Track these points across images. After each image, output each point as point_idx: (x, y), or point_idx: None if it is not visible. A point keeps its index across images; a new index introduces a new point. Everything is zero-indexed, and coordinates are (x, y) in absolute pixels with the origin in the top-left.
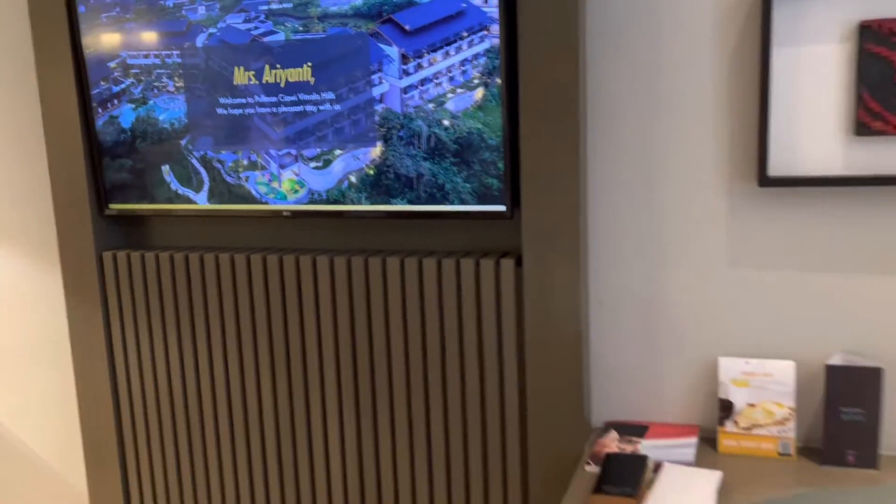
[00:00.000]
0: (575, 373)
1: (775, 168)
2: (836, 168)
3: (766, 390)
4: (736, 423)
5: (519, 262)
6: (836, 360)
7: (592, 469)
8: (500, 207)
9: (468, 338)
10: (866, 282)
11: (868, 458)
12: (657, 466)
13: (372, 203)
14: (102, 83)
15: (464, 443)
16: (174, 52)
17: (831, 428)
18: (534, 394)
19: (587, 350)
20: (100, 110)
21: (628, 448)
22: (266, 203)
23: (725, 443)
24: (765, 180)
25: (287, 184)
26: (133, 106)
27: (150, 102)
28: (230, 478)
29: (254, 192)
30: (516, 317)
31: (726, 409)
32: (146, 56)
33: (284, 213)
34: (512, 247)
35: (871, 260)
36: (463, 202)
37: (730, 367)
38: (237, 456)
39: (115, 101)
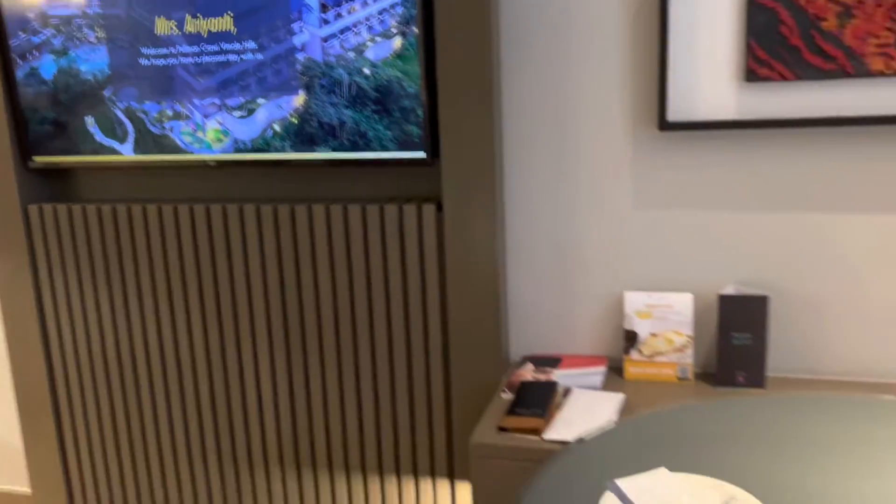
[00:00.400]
0: (493, 311)
1: (674, 113)
2: (728, 113)
3: (667, 321)
4: (640, 351)
5: (440, 208)
6: (728, 290)
7: (508, 396)
8: (419, 154)
9: (393, 279)
10: (756, 219)
11: (756, 378)
12: (567, 392)
13: (296, 151)
14: (21, 34)
15: (391, 377)
16: (94, 2)
17: (723, 352)
18: (455, 330)
19: (504, 289)
20: (20, 62)
21: (542, 377)
22: (191, 153)
23: (630, 370)
24: (664, 125)
25: (212, 133)
26: (54, 57)
27: (72, 53)
28: (165, 424)
29: (179, 143)
30: (438, 259)
31: (631, 339)
32: (65, 6)
33: (210, 163)
34: (433, 193)
35: (760, 199)
36: (385, 149)
37: (634, 301)
38: (171, 402)
39: (36, 53)
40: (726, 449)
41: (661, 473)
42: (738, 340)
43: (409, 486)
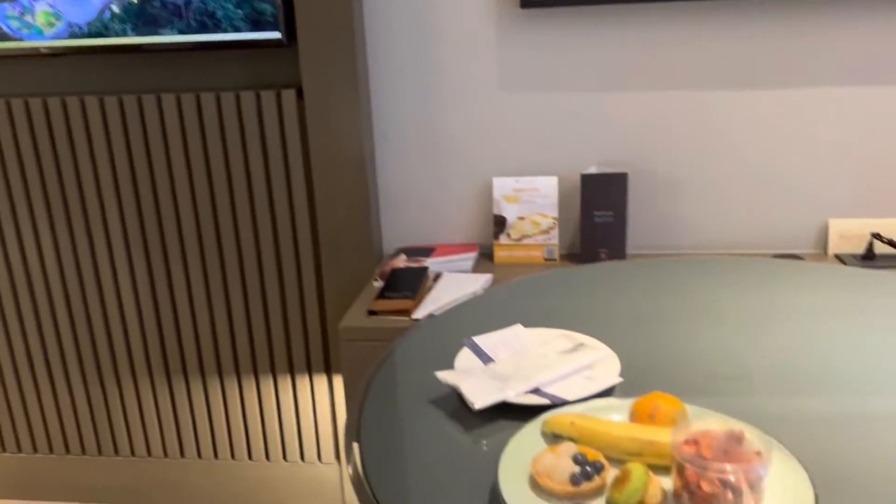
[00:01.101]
0: (363, 201)
1: None
2: None
3: (534, 204)
4: (508, 235)
5: (300, 94)
6: (590, 170)
7: (379, 284)
8: (274, 35)
9: (255, 173)
10: (618, 98)
11: (617, 255)
12: (437, 276)
13: (138, 35)
14: None
15: (259, 274)
16: None
17: (586, 231)
18: (325, 223)
19: (374, 178)
20: None
21: (414, 266)
22: (20, 40)
23: (500, 254)
24: (526, 1)
25: (42, 17)
26: None
27: None
28: (18, 337)
29: (5, 28)
30: (302, 149)
31: (500, 223)
32: None
33: (42, 51)
34: (293, 79)
35: (622, 78)
36: (236, 30)
37: (502, 186)
38: (23, 314)
39: None
40: (580, 308)
41: (517, 329)
42: (599, 219)
43: (285, 383)
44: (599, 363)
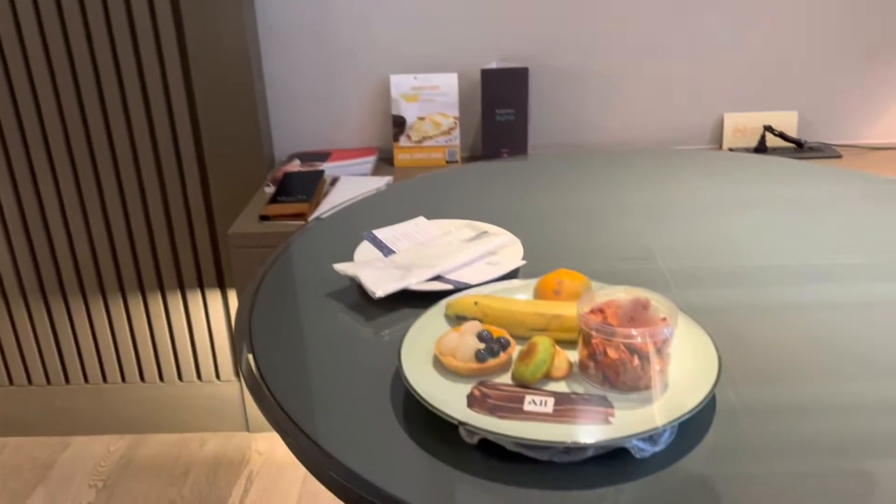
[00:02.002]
0: (249, 101)
1: None
2: None
3: (434, 103)
4: (409, 137)
5: None
6: (490, 65)
7: (271, 189)
8: None
9: (127, 73)
10: None
11: (519, 152)
12: (334, 180)
13: None
14: None
15: (139, 186)
16: None
17: (488, 129)
18: (208, 128)
19: (260, 76)
20: None
21: (309, 170)
22: None
23: (400, 157)
24: None
25: None
26: None
27: None
28: None
29: None
30: (178, 48)
31: (399, 124)
32: None
33: None
34: None
35: None
36: None
37: (400, 84)
38: None
39: None
40: (483, 202)
41: (418, 221)
42: (501, 117)
43: (175, 299)
44: (503, 249)
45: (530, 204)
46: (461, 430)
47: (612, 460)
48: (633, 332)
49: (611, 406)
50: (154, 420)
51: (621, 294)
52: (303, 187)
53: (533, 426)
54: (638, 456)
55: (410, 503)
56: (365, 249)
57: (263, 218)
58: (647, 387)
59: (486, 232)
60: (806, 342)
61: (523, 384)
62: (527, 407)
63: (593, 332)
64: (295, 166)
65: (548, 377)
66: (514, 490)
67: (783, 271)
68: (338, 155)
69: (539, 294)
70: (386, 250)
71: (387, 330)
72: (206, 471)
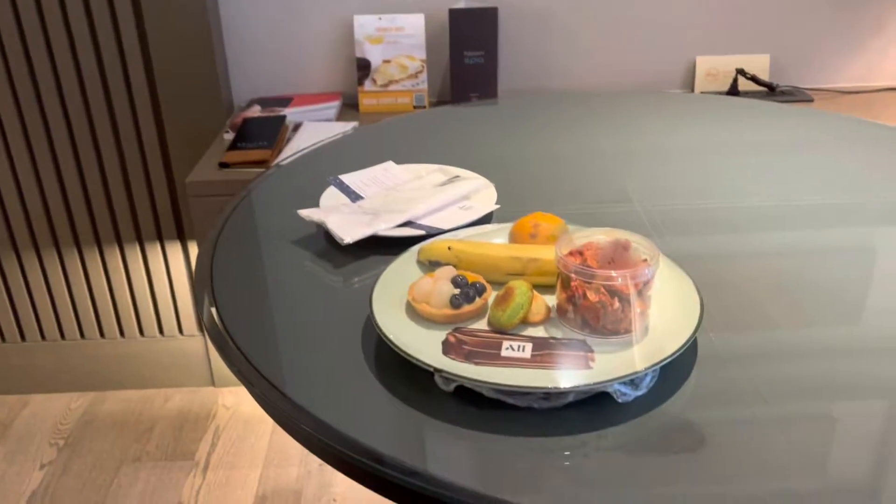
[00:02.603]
0: (205, 48)
1: None
2: None
3: (399, 45)
4: (374, 81)
5: None
6: (458, 5)
7: (231, 136)
8: None
9: (75, 20)
10: None
11: (489, 96)
12: (297, 126)
13: None
14: None
15: (92, 135)
16: None
17: (456, 73)
18: (162, 74)
19: (218, 23)
20: None
21: (270, 115)
22: None
23: (365, 102)
24: None
25: None
26: None
27: None
28: None
29: None
30: None
31: (364, 67)
32: None
33: None
34: None
35: None
36: None
37: (365, 25)
38: None
39: None
40: (454, 145)
41: (387, 165)
42: (470, 59)
43: (133, 252)
44: (476, 193)
45: (502, 148)
46: (437, 377)
47: (593, 405)
48: (614, 273)
49: (591, 350)
50: (116, 377)
51: (601, 236)
52: (263, 133)
53: (511, 372)
54: (620, 400)
55: (385, 453)
56: (331, 195)
57: (223, 165)
58: (628, 330)
59: (458, 176)
60: (788, 285)
61: (500, 330)
62: (504, 353)
63: (572, 275)
64: (255, 112)
65: (525, 322)
66: (492, 437)
67: (762, 213)
68: (300, 100)
69: (515, 238)
70: (353, 196)
71: (356, 277)
72: (172, 426)
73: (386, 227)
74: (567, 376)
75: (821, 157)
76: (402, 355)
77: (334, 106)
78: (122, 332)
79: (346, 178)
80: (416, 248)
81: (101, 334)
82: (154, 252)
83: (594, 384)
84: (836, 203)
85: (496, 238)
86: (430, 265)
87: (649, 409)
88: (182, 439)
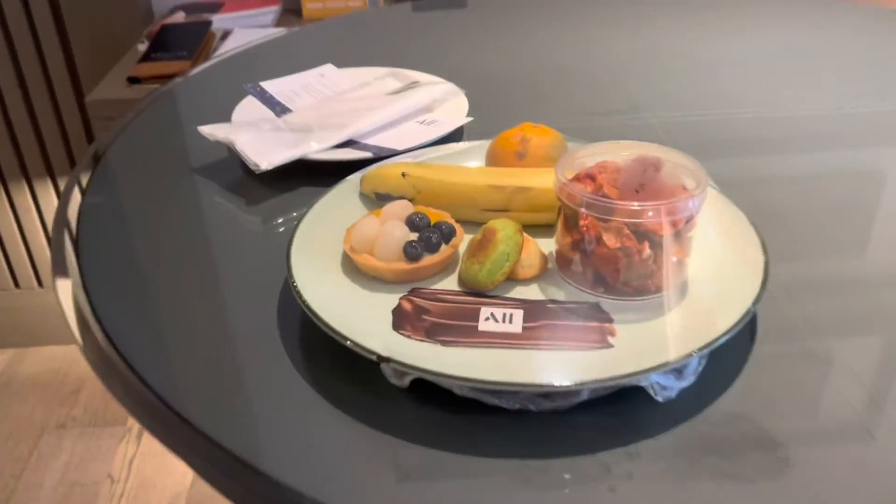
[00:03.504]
0: None
1: None
2: None
3: None
4: None
5: None
6: None
7: (145, 46)
8: None
9: None
10: None
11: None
12: (226, 34)
13: None
14: None
15: None
16: None
17: None
18: None
19: None
20: None
21: (193, 21)
22: None
23: (309, 6)
24: None
25: None
26: None
27: None
28: None
29: None
30: None
31: None
32: None
33: None
34: None
35: None
36: None
37: None
38: None
39: None
40: (412, 47)
41: (325, 69)
42: None
43: (44, 189)
44: (441, 103)
45: (477, 48)
46: (384, 367)
47: (618, 405)
48: (642, 206)
49: (609, 319)
50: (36, 331)
51: (622, 152)
52: (183, 42)
53: (494, 356)
54: (659, 398)
55: (302, 494)
56: (248, 108)
57: (132, 80)
58: (660, 288)
59: (416, 82)
60: (855, 214)
61: (477, 290)
62: (483, 325)
63: (581, 210)
64: (178, 19)
65: (513, 279)
66: (466, 461)
67: (808, 125)
68: (232, 5)
69: (495, 159)
70: (279, 108)
71: (279, 218)
72: (102, 387)
73: (319, 147)
74: (577, 362)
75: (876, 59)
76: (330, 335)
77: (272, 11)
78: (39, 281)
79: (270, 86)
80: (357, 175)
81: (16, 284)
82: (44, 189)
83: (621, 377)
84: (881, 109)
85: (469, 160)
86: (377, 199)
87: (700, 406)
88: (113, 402)
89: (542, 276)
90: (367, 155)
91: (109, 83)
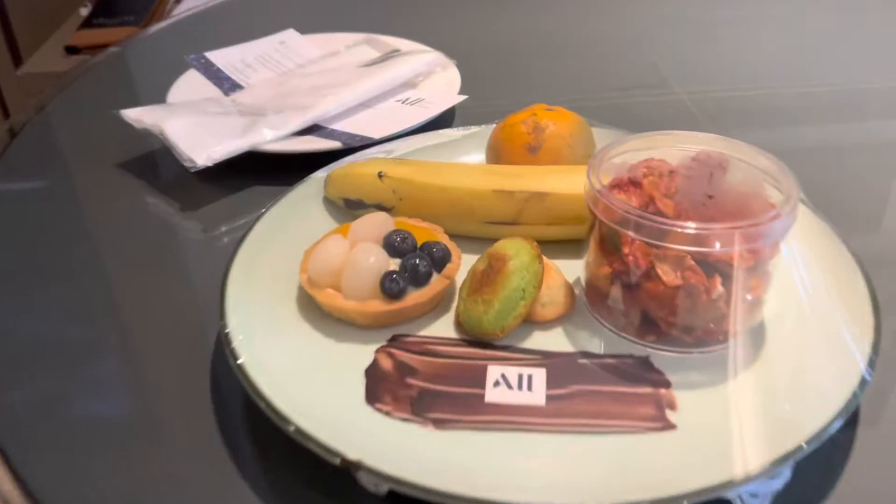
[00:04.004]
0: None
1: None
2: None
3: None
4: None
5: None
6: None
7: (88, 10)
8: None
9: None
10: None
11: None
12: None
13: None
14: None
15: None
16: None
17: None
18: None
19: None
20: None
21: None
22: None
23: None
24: None
25: None
26: None
27: None
28: None
29: None
30: None
31: None
32: None
33: None
34: None
35: None
36: None
37: None
38: None
39: None
40: (393, 9)
41: (286, 36)
42: None
43: None
44: (426, 77)
45: (470, 13)
46: (358, 474)
47: None
48: (714, 230)
49: (666, 383)
50: None
51: (672, 146)
52: (131, 5)
53: (509, 448)
54: None
55: None
56: (190, 84)
57: (71, 50)
58: (728, 336)
59: (397, 50)
60: None
61: (481, 337)
62: (492, 394)
63: (628, 234)
64: None
65: (529, 321)
66: None
67: (851, 97)
68: None
69: (499, 152)
70: (227, 84)
71: (223, 227)
72: None
73: (274, 136)
74: (629, 459)
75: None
76: (271, 417)
77: None
78: None
79: (217, 57)
80: (320, 174)
81: None
82: None
83: (698, 492)
84: None
85: (465, 154)
86: (346, 208)
87: None
88: None
89: (567, 315)
90: (336, 145)
91: (46, 54)
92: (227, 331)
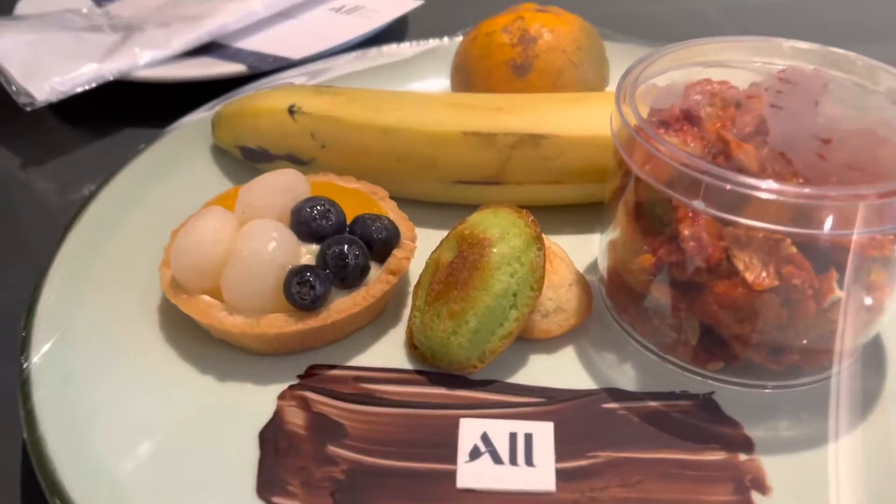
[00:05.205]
0: None
1: None
2: None
3: None
4: None
5: None
6: None
7: None
8: None
9: None
10: None
11: None
12: None
13: None
14: None
15: None
16: None
17: None
18: None
19: None
20: None
21: None
22: None
23: None
24: None
25: None
26: None
27: None
28: None
29: None
30: None
31: None
32: None
33: None
34: None
35: None
36: None
37: None
38: None
39: None
40: None
41: None
42: None
43: None
44: None
45: None
46: None
47: None
48: (834, 196)
49: (747, 442)
50: None
51: (738, 58)
52: None
53: None
54: None
55: None
56: None
57: None
58: (831, 362)
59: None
60: None
61: (448, 369)
62: (466, 475)
63: (696, 204)
64: None
65: (524, 338)
66: None
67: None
68: None
69: (471, 75)
70: None
71: (83, 189)
72: None
73: (151, 58)
74: None
75: None
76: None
77: None
78: None
79: None
80: (204, 112)
81: None
82: None
83: None
84: None
85: (419, 80)
86: (243, 160)
87: None
88: None
89: (583, 328)
90: (239, 69)
91: None
92: (25, 375)
